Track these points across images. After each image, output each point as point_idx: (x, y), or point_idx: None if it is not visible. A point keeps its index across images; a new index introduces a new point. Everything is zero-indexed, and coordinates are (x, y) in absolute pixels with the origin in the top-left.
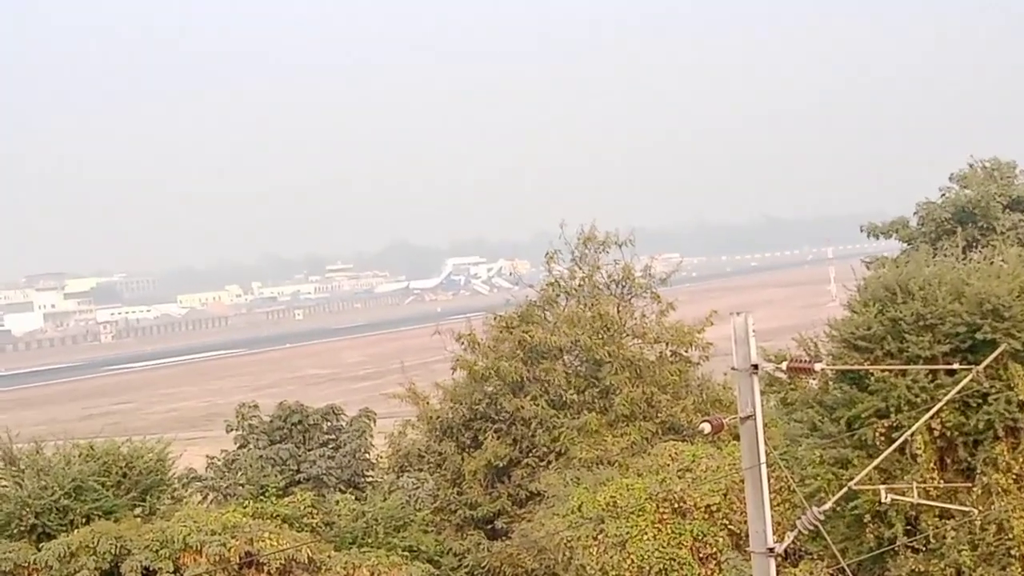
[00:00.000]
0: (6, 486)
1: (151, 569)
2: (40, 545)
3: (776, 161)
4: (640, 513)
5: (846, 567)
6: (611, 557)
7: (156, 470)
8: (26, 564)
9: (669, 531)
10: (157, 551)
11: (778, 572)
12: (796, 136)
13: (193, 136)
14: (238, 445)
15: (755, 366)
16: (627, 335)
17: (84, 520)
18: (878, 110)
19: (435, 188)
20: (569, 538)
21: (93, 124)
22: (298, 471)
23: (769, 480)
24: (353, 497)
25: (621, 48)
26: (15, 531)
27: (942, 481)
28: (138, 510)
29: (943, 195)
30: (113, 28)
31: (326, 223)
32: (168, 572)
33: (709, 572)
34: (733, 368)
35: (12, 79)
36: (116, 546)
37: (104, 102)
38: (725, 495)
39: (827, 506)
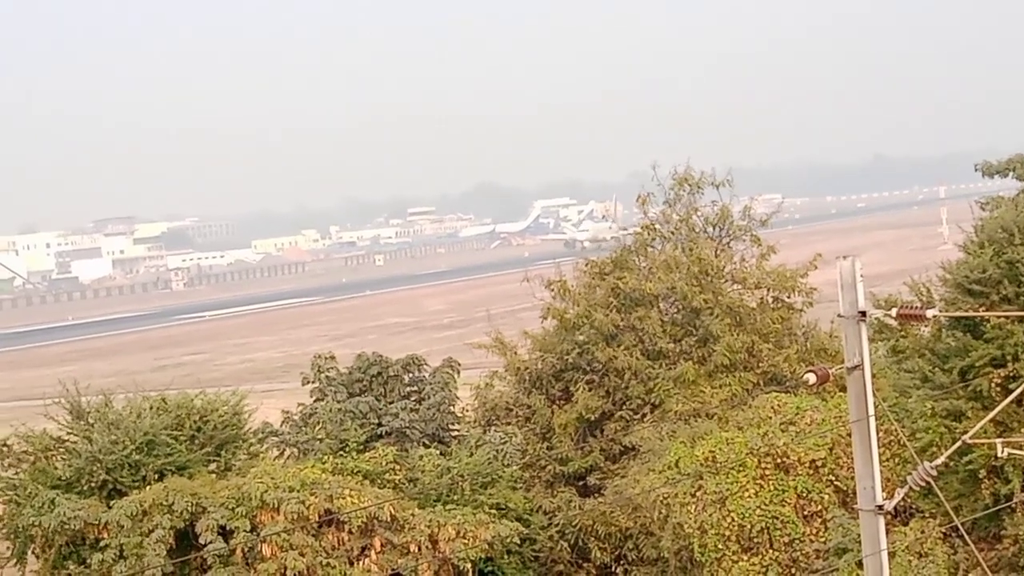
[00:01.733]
0: (75, 441)
1: (227, 528)
2: (111, 503)
3: (885, 97)
4: (741, 469)
5: (959, 525)
6: (710, 515)
7: (231, 424)
8: (96, 522)
9: (771, 488)
10: (233, 509)
11: (887, 531)
12: (906, 70)
13: (269, 77)
14: (315, 398)
15: (863, 313)
16: (726, 280)
17: (157, 476)
18: (995, 42)
19: (525, 128)
20: (665, 495)
21: (165, 68)
22: (379, 425)
23: (878, 434)
24: (437, 452)
25: None
26: (85, 487)
27: None
28: (212, 466)
29: None
30: None
31: (410, 165)
32: (245, 531)
33: (814, 531)
34: (839, 315)
35: (85, 25)
36: (191, 504)
37: (175, 46)
38: (831, 450)
39: (939, 461)
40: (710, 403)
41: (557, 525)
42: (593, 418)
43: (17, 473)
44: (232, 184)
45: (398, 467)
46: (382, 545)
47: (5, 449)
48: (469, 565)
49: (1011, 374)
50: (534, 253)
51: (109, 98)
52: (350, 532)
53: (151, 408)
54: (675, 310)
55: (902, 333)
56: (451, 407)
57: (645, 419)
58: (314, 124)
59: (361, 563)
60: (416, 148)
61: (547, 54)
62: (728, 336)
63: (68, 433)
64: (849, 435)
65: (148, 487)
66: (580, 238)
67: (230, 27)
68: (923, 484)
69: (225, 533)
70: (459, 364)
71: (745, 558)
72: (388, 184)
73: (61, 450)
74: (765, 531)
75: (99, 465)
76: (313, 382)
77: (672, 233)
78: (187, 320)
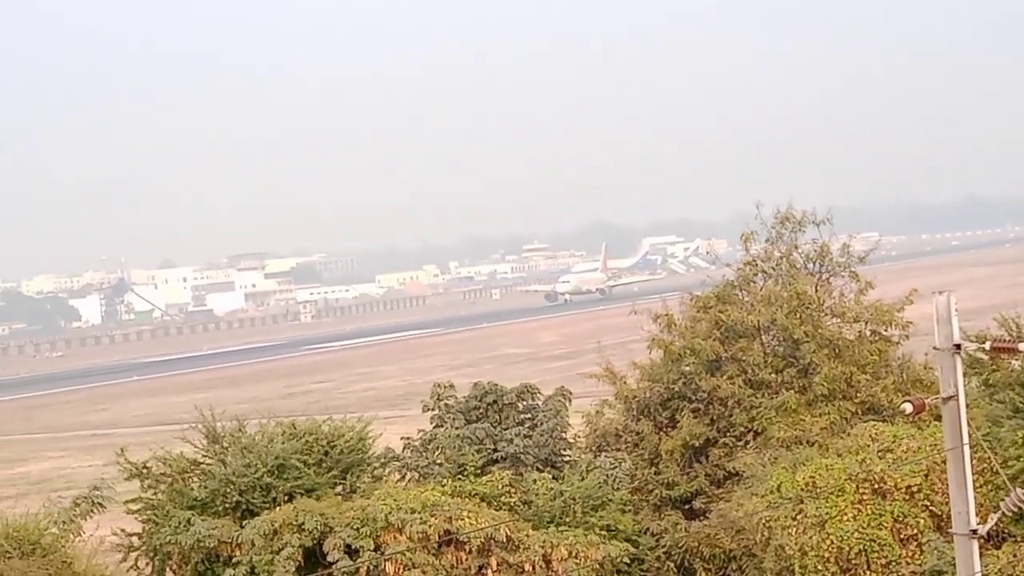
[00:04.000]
0: (210, 464)
1: (353, 547)
2: (244, 522)
3: (979, 137)
4: (840, 494)
5: None
6: (810, 537)
7: (356, 449)
8: (229, 540)
9: (869, 512)
10: (358, 529)
11: (980, 554)
12: (998, 111)
13: (395, 123)
14: (434, 425)
15: (957, 346)
16: (825, 314)
17: (287, 498)
18: None
19: (639, 169)
20: (768, 518)
21: (296, 114)
22: (495, 450)
23: (971, 461)
24: (550, 476)
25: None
26: (219, 508)
27: None
28: (339, 488)
29: None
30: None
31: (527, 205)
32: (369, 550)
33: (910, 554)
34: (935, 348)
35: (216, 65)
36: (320, 524)
37: (303, 97)
38: (926, 476)
39: None
40: (810, 431)
41: (664, 546)
42: (698, 444)
43: (156, 494)
44: (358, 222)
45: (513, 490)
46: (498, 564)
47: (145, 471)
48: None
49: None
50: (643, 288)
51: (244, 141)
52: (469, 552)
53: (282, 433)
54: (776, 342)
55: (994, 366)
56: (563, 433)
57: (748, 446)
58: (435, 165)
59: None
60: (533, 188)
61: (657, 108)
62: (827, 367)
63: (204, 456)
64: (944, 462)
65: (278, 508)
66: (561, 290)
67: (360, 64)
68: (1015, 509)
69: (351, 552)
70: (571, 393)
71: None
72: (505, 222)
73: (197, 472)
74: (863, 554)
75: (233, 487)
76: (433, 409)
77: (773, 269)
78: (314, 350)
